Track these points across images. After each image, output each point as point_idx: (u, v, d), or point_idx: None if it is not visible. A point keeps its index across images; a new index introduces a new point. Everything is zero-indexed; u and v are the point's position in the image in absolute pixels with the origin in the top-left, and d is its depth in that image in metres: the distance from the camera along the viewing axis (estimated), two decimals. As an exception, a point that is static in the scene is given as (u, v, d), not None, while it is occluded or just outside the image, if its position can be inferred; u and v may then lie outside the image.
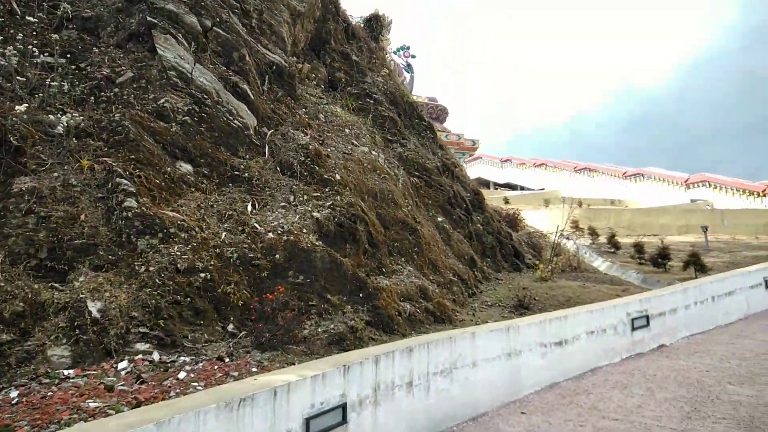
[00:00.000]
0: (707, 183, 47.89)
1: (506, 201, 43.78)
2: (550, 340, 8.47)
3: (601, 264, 23.37)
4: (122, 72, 8.14)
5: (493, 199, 45.91)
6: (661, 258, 19.37)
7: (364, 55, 14.71)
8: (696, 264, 16.43)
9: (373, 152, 11.50)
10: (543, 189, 61.74)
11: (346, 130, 11.74)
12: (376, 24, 17.15)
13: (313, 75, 12.68)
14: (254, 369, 5.66)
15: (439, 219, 12.60)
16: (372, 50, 15.74)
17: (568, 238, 22.29)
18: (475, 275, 12.96)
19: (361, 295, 8.23)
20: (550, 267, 15.28)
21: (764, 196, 43.48)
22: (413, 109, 14.85)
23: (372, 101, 13.36)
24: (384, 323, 8.23)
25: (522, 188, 64.57)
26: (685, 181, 49.73)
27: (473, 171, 72.48)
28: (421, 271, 10.51)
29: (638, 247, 22.24)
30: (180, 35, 8.96)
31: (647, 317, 10.30)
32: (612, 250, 25.78)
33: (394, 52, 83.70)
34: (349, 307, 8.00)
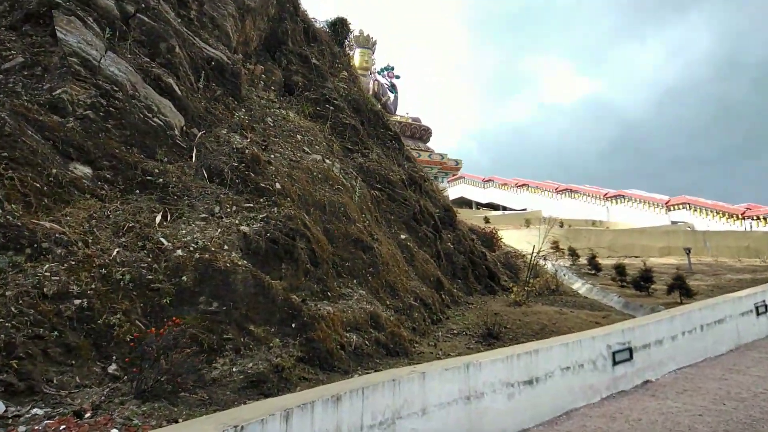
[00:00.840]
0: (688, 205, 47.18)
1: (486, 220, 42.58)
2: (519, 379, 7.09)
3: (581, 286, 22.12)
4: (11, 57, 6.77)
5: (473, 218, 44.73)
6: (644, 281, 18.15)
7: (326, 59, 13.44)
8: (681, 288, 15.21)
9: (327, 161, 10.17)
10: (525, 209, 60.83)
11: (298, 137, 10.40)
12: (341, 28, 16.00)
13: (266, 77, 11.37)
14: (115, 430, 4.20)
15: (402, 236, 11.25)
16: (335, 55, 14.49)
17: (545, 259, 21.04)
18: (442, 299, 11.58)
19: (293, 325, 6.80)
20: (525, 290, 13.94)
21: (744, 218, 42.80)
22: (378, 117, 13.57)
23: (332, 108, 12.06)
24: (321, 359, 6.80)
25: (504, 208, 63.67)
26: (666, 203, 49.03)
27: (456, 191, 71.59)
28: (376, 295, 9.12)
29: (620, 269, 21.04)
30: (91, 19, 7.62)
31: (630, 350, 8.96)
32: (592, 271, 24.57)
33: (378, 72, 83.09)
34: (278, 339, 6.56)
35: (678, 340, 10.19)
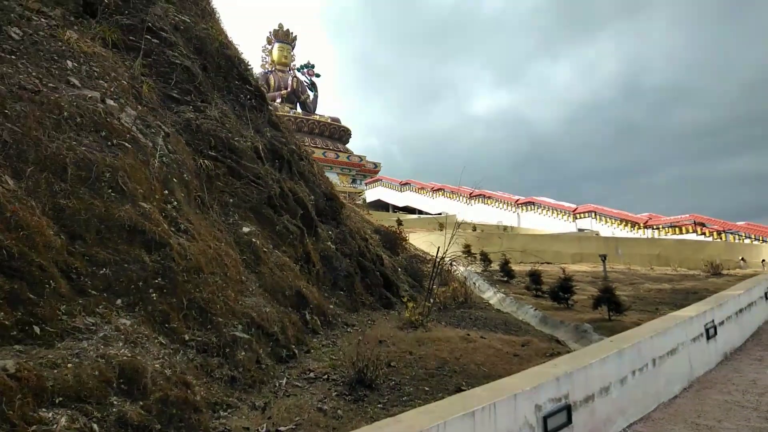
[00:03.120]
0: (594, 213, 46.40)
1: (399, 223, 39.26)
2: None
3: (493, 296, 19.03)
4: None
5: (387, 221, 41.39)
6: (563, 291, 15.22)
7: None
8: (610, 301, 12.26)
9: (111, 102, 6.07)
10: (440, 213, 58.64)
11: (69, 63, 6.21)
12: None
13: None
14: None
15: (246, 229, 7.30)
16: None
17: (453, 263, 17.73)
18: (305, 321, 7.72)
19: None
20: (426, 305, 10.37)
21: (647, 227, 42.30)
22: (232, 65, 9.50)
23: (156, 41, 7.95)
24: None
25: (421, 212, 61.21)
26: (574, 211, 48.12)
27: (374, 193, 68.25)
28: (161, 326, 5.11)
29: (534, 277, 18.13)
30: None
31: (569, 408, 5.52)
32: (505, 278, 21.66)
33: (298, 69, 78.40)
34: None
35: (628, 383, 6.90)
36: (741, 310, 11.48)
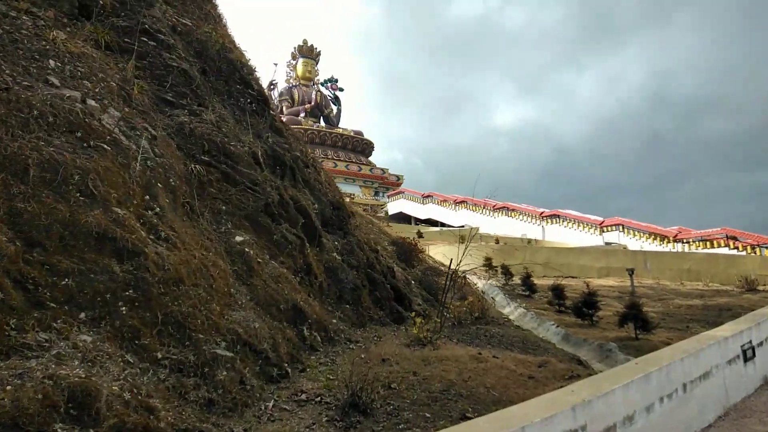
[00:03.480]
0: (621, 226, 44.93)
1: (420, 235, 38.60)
2: None
3: (513, 311, 18.19)
4: None
5: (404, 233, 40.84)
6: (587, 306, 14.35)
7: (163, -16, 9.01)
8: (636, 318, 11.39)
9: (93, 103, 5.67)
10: (463, 226, 57.77)
11: (51, 63, 5.86)
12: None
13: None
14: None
15: (239, 238, 6.80)
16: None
17: (476, 276, 17.02)
18: (303, 337, 7.17)
19: None
20: (436, 320, 9.72)
21: (676, 241, 40.69)
22: (234, 69, 9.09)
23: (153, 43, 7.60)
24: None
25: (443, 225, 60.38)
26: (600, 224, 46.70)
27: (396, 206, 67.81)
28: (133, 342, 4.63)
29: (557, 292, 17.26)
30: None
31: (587, 442, 4.85)
32: (527, 292, 20.77)
33: (322, 84, 79.01)
34: None
35: (655, 411, 6.13)
36: (781, 330, 10.51)
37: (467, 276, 27.24)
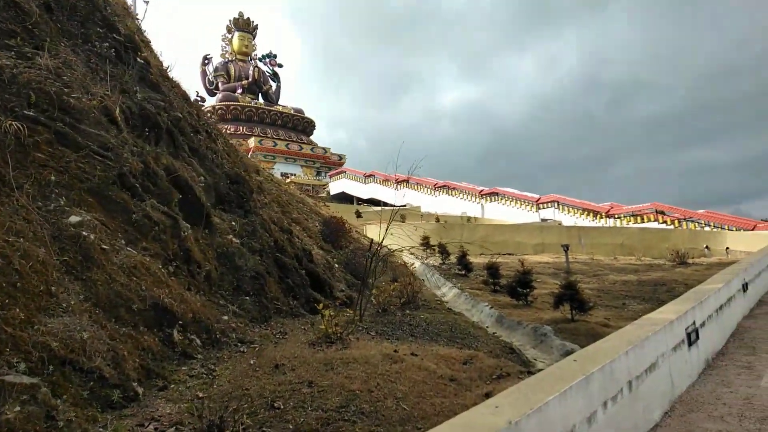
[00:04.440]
0: (556, 203, 45.20)
1: (358, 215, 37.23)
2: None
3: (448, 291, 17.15)
4: None
5: (343, 212, 39.38)
6: (521, 286, 13.40)
7: None
8: (572, 299, 10.44)
9: None
10: (405, 205, 56.89)
11: None
12: None
13: None
14: None
15: (75, 219, 5.07)
16: None
17: (407, 256, 15.77)
18: (173, 342, 5.58)
19: None
20: (352, 311, 8.33)
21: (609, 216, 41.24)
22: (95, 8, 7.15)
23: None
24: None
25: (385, 204, 59.21)
26: (537, 201, 46.86)
27: (337, 186, 65.99)
28: None
29: (492, 270, 16.31)
30: None
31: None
32: (463, 272, 19.83)
33: (260, 59, 75.29)
34: None
35: (597, 420, 4.98)
36: (721, 307, 9.81)
37: (405, 257, 26.16)
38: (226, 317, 7.16)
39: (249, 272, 8.05)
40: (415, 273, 20.40)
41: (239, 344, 6.74)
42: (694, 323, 8.23)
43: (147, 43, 8.78)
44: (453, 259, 21.55)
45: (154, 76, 7.96)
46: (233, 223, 8.08)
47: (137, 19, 9.25)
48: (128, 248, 5.61)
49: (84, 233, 5.12)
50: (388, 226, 10.34)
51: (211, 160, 8.45)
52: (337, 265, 12.33)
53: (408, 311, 11.42)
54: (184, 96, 9.05)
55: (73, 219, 5.13)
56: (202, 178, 7.67)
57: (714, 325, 9.37)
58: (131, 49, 7.81)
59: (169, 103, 7.88)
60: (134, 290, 5.35)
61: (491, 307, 13.03)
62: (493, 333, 11.10)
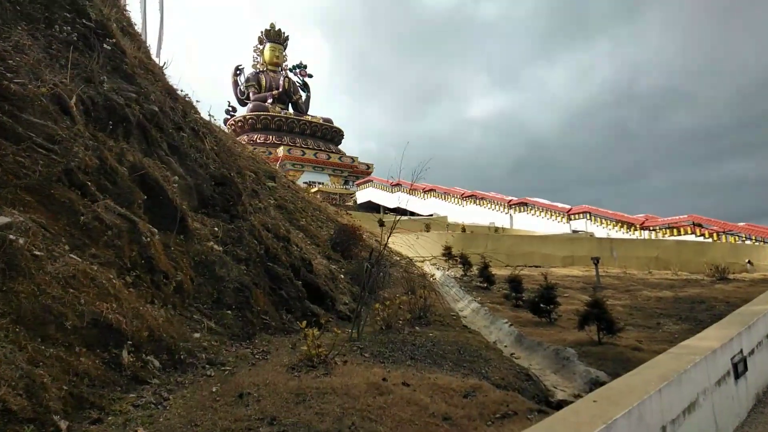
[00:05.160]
0: (589, 214, 43.30)
1: (381, 224, 36.28)
2: None
3: (466, 305, 16.01)
4: None
5: (365, 222, 38.62)
6: (544, 302, 12.21)
7: None
8: (599, 318, 9.23)
9: None
10: (432, 215, 55.76)
11: None
12: None
13: None
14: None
15: (2, 220, 4.35)
16: None
17: (428, 266, 14.77)
18: (120, 365, 4.76)
19: None
20: (355, 327, 7.38)
21: (643, 228, 39.20)
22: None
23: None
24: None
25: (412, 214, 58.19)
26: (568, 212, 45.03)
27: (364, 194, 65.28)
28: None
29: (514, 284, 15.12)
30: None
31: None
32: (484, 284, 18.64)
33: (290, 70, 75.63)
34: None
35: (621, 482, 3.97)
36: (772, 331, 8.48)
37: (426, 267, 25.08)
38: (197, 335, 6.31)
39: (232, 283, 7.21)
40: (434, 285, 19.34)
41: (207, 366, 5.87)
42: (741, 351, 6.98)
43: (133, 34, 8.13)
44: (475, 270, 20.38)
45: (129, 67, 7.25)
46: (216, 228, 7.27)
47: (124, 8, 8.64)
48: (71, 255, 4.83)
49: (11, 237, 4.35)
50: (390, 232, 9.40)
51: (194, 159, 7.69)
52: (342, 276, 11.42)
53: (418, 328, 10.41)
54: (169, 90, 8.33)
55: (0, 220, 4.38)
56: (177, 178, 6.88)
57: (765, 353, 8.06)
58: (103, 36, 7.13)
59: (144, 95, 7.15)
60: (70, 304, 4.54)
61: (510, 325, 11.88)
62: (511, 354, 9.97)
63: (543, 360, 9.28)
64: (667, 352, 6.17)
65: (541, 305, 12.02)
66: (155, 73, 8.28)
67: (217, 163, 8.26)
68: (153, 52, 22.87)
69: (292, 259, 9.03)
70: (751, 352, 7.35)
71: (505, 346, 11.04)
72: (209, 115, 24.93)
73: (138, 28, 9.79)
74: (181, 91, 9.82)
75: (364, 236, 19.92)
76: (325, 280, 10.05)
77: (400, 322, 10.09)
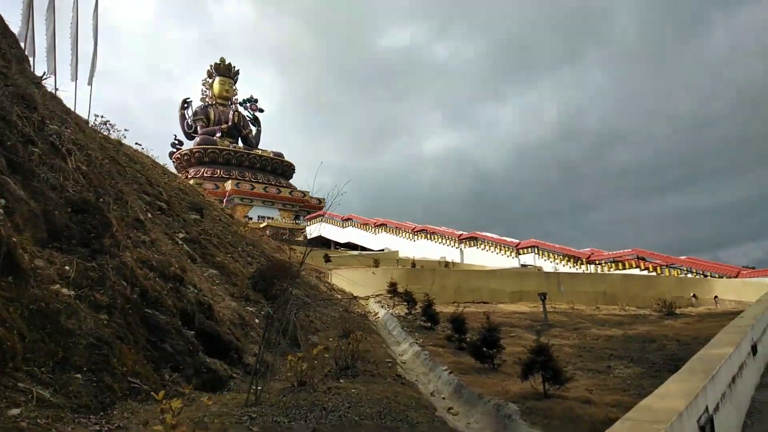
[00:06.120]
0: (536, 248, 43.09)
1: (327, 259, 34.67)
2: None
3: (407, 348, 14.55)
4: None
5: (311, 257, 36.77)
6: (487, 345, 10.94)
7: None
8: (545, 367, 7.98)
9: None
10: (383, 250, 54.47)
11: None
12: None
13: None
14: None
15: None
16: None
17: (373, 304, 13.36)
18: None
19: None
20: (252, 389, 5.78)
21: (589, 263, 39.16)
22: None
23: None
24: None
25: (363, 248, 56.74)
26: (516, 246, 44.74)
27: (315, 229, 63.21)
28: None
29: (457, 324, 13.82)
30: None
31: None
32: (428, 324, 17.31)
33: (240, 104, 74.07)
34: None
35: None
36: (734, 379, 7.44)
37: (371, 305, 23.54)
38: (15, 411, 4.62)
39: (85, 338, 5.56)
40: (375, 325, 17.84)
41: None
42: (707, 409, 5.78)
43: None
44: (419, 308, 19.02)
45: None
46: (67, 267, 5.66)
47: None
48: None
49: None
50: (305, 255, 8.00)
51: (45, 180, 6.10)
52: (258, 321, 9.81)
53: (342, 381, 8.90)
54: (24, 96, 6.74)
55: None
56: (4, 201, 5.28)
57: (729, 407, 6.94)
58: None
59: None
60: None
61: (450, 372, 10.52)
62: (448, 408, 8.57)
63: (483, 417, 7.92)
64: (624, 420, 4.92)
65: (484, 349, 10.74)
66: (8, 76, 6.71)
67: (81, 186, 6.66)
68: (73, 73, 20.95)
69: (184, 303, 7.42)
70: (716, 408, 6.22)
71: (444, 398, 9.65)
72: (137, 144, 23.01)
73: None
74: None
75: (302, 273, 18.27)
76: (230, 327, 8.43)
77: (321, 376, 8.55)
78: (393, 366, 11.16)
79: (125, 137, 21.39)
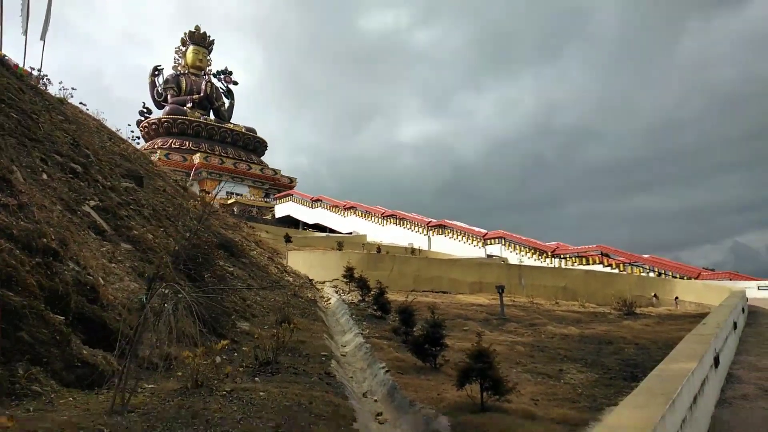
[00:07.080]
0: (503, 239, 42.49)
1: (288, 239, 33.20)
2: None
3: (351, 339, 13.38)
4: None
5: (271, 237, 35.45)
6: (430, 342, 9.82)
7: None
8: (484, 375, 6.87)
9: None
10: (351, 233, 53.15)
11: None
12: None
13: None
14: None
15: None
16: None
17: (328, 289, 12.06)
18: None
19: None
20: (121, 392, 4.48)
21: (554, 256, 38.70)
22: None
23: None
24: None
25: (331, 231, 55.32)
26: (484, 236, 44.06)
27: (283, 209, 61.56)
28: None
29: (405, 316, 12.66)
30: None
31: None
32: (379, 313, 16.19)
33: (214, 75, 71.08)
34: None
35: None
36: (695, 399, 6.45)
37: (326, 290, 22.28)
38: None
39: None
40: (324, 312, 16.61)
41: None
42: (664, 442, 4.77)
43: None
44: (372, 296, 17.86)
45: None
46: None
47: None
48: None
49: None
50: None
51: None
52: (167, 306, 8.42)
53: (258, 379, 7.67)
54: None
55: None
56: None
57: (688, 429, 5.98)
58: None
59: None
60: None
61: (387, 371, 9.37)
62: (377, 415, 7.43)
63: (410, 430, 6.78)
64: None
65: (426, 346, 9.61)
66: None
67: None
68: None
69: (55, 282, 6.03)
70: (676, 436, 5.20)
71: (376, 400, 8.51)
72: (81, 104, 21.06)
73: None
74: None
75: (252, 253, 16.92)
76: (122, 313, 7.06)
77: (224, 375, 7.28)
78: (326, 361, 9.94)
79: (72, 96, 19.66)
